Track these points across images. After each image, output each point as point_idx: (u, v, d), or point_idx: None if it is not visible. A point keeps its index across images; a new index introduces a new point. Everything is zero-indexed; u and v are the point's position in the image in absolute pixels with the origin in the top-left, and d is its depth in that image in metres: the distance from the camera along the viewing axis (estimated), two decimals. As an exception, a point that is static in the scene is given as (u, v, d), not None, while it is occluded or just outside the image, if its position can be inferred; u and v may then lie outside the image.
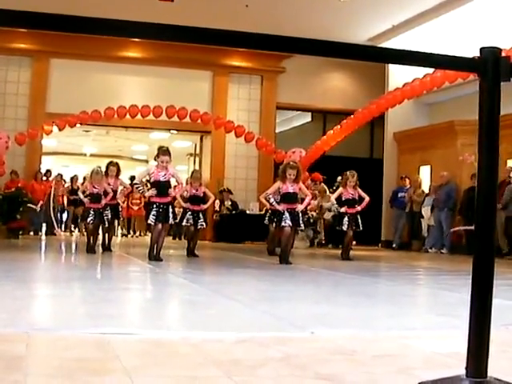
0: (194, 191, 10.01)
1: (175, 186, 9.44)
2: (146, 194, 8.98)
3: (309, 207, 13.37)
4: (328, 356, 2.70)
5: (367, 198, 10.46)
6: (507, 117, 10.98)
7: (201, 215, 10.00)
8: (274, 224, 9.78)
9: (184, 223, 10.10)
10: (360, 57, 2.30)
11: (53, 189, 16.93)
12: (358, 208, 10.38)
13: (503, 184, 12.63)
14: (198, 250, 10.12)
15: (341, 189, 10.60)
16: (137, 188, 9.33)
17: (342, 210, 10.47)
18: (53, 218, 16.92)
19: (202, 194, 10.10)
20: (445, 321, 3.93)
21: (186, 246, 10.25)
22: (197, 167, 18.49)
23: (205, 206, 10.22)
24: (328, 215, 15.27)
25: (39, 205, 15.43)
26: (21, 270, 6.91)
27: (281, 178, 9.22)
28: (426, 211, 14.76)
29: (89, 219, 9.82)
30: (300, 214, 9.23)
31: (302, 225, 9.53)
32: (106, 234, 10.48)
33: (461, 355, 2.03)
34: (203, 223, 10.08)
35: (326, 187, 15.57)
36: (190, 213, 9.93)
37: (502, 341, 3.00)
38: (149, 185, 9.22)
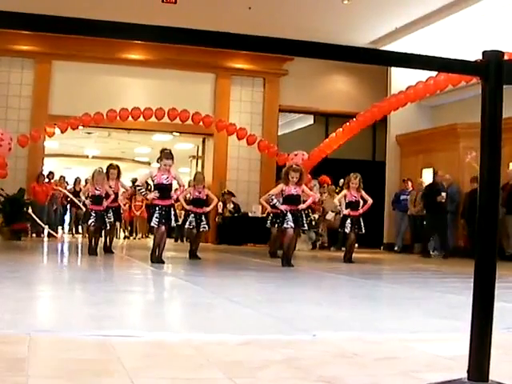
0: (196, 194, 10.03)
1: (176, 189, 9.44)
2: (149, 197, 8.98)
3: (314, 206, 13.39)
4: (330, 359, 2.69)
5: (370, 201, 10.44)
6: (510, 120, 10.98)
7: (203, 218, 10.02)
8: (276, 226, 9.76)
9: (187, 226, 10.12)
10: (362, 60, 2.29)
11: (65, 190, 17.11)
12: (360, 210, 10.38)
13: (506, 187, 12.62)
14: (200, 253, 10.12)
15: (345, 191, 10.59)
16: (139, 190, 9.33)
17: (345, 212, 10.47)
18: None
19: (204, 197, 10.12)
20: (447, 323, 3.92)
21: (188, 249, 10.25)
22: (199, 170, 18.50)
23: (208, 209, 10.24)
24: (330, 215, 15.23)
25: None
26: (23, 271, 6.91)
27: (284, 181, 9.20)
28: None
29: (90, 221, 9.84)
30: (303, 215, 9.22)
31: (306, 226, 9.49)
32: (108, 236, 10.50)
33: (463, 358, 2.03)
34: (206, 226, 10.10)
35: (334, 188, 15.56)
36: (192, 215, 9.95)
37: (504, 344, 3.00)
38: (151, 187, 9.22)
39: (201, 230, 10.10)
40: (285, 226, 9.03)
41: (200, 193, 10.04)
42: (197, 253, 10.02)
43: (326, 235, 16.21)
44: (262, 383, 2.26)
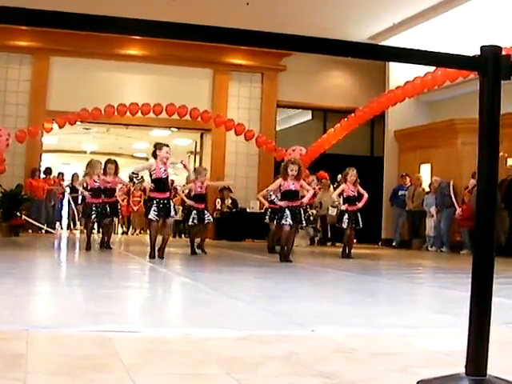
0: (198, 189, 9.98)
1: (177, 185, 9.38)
2: (145, 184, 9.01)
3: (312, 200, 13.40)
4: (328, 354, 2.70)
5: (366, 195, 10.42)
6: (508, 115, 10.99)
7: (205, 211, 10.02)
8: (274, 222, 9.75)
9: (190, 222, 10.02)
10: (361, 55, 2.29)
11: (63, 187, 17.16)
12: (359, 205, 10.37)
13: (504, 182, 12.63)
14: (198, 248, 10.08)
15: (343, 185, 10.58)
16: (135, 177, 9.22)
17: (343, 207, 10.47)
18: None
19: (204, 191, 10.11)
20: (445, 319, 3.93)
21: (188, 245, 10.14)
22: (197, 165, 18.47)
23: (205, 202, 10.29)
24: (333, 211, 15.20)
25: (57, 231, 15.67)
26: (21, 267, 6.91)
27: (282, 175, 9.18)
28: (434, 211, 14.76)
29: (93, 217, 9.89)
30: (302, 211, 9.19)
31: (304, 222, 9.45)
32: (106, 232, 10.50)
33: (461, 353, 2.03)
34: (210, 218, 10.10)
35: (328, 182, 15.59)
36: (194, 212, 9.90)
37: (502, 339, 3.00)
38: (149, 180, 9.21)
39: (206, 222, 10.07)
40: (283, 222, 9.02)
41: (201, 187, 10.01)
42: (203, 247, 10.00)
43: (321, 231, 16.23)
44: (260, 378, 2.26)
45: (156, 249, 8.64)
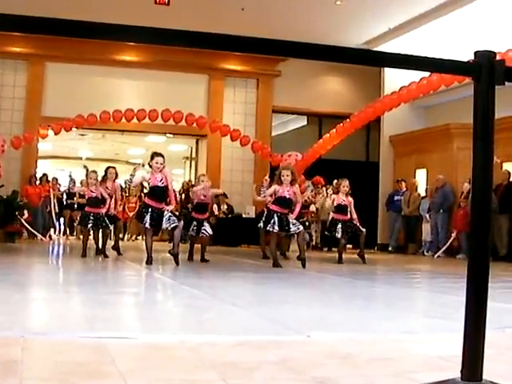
0: (202, 198, 9.82)
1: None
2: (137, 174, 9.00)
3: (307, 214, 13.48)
4: (324, 359, 2.69)
5: (353, 214, 10.51)
6: (503, 120, 11.03)
7: (205, 223, 9.83)
8: (261, 226, 9.56)
9: (190, 232, 9.90)
10: (355, 60, 2.29)
11: (52, 193, 16.98)
12: (353, 215, 10.44)
13: (499, 187, 12.64)
14: (195, 255, 10.02)
15: (333, 196, 10.72)
16: (129, 182, 9.21)
17: (334, 216, 10.58)
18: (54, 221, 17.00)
19: (209, 200, 9.99)
20: (441, 324, 3.93)
21: (187, 251, 10.05)
22: (193, 171, 18.47)
23: (208, 214, 10.18)
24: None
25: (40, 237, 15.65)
26: (17, 273, 6.90)
27: (277, 182, 9.21)
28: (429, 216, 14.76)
29: (89, 225, 9.85)
30: (289, 220, 9.13)
31: (293, 228, 9.17)
32: (103, 239, 10.48)
33: (457, 358, 2.03)
34: (207, 230, 9.79)
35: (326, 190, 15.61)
36: (195, 222, 9.80)
37: (498, 344, 3.00)
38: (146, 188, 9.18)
39: (201, 235, 9.91)
40: (268, 228, 9.09)
41: (205, 197, 9.87)
42: (203, 256, 9.92)
43: (319, 236, 16.23)
44: (256, 384, 2.26)
45: (152, 255, 8.62)
